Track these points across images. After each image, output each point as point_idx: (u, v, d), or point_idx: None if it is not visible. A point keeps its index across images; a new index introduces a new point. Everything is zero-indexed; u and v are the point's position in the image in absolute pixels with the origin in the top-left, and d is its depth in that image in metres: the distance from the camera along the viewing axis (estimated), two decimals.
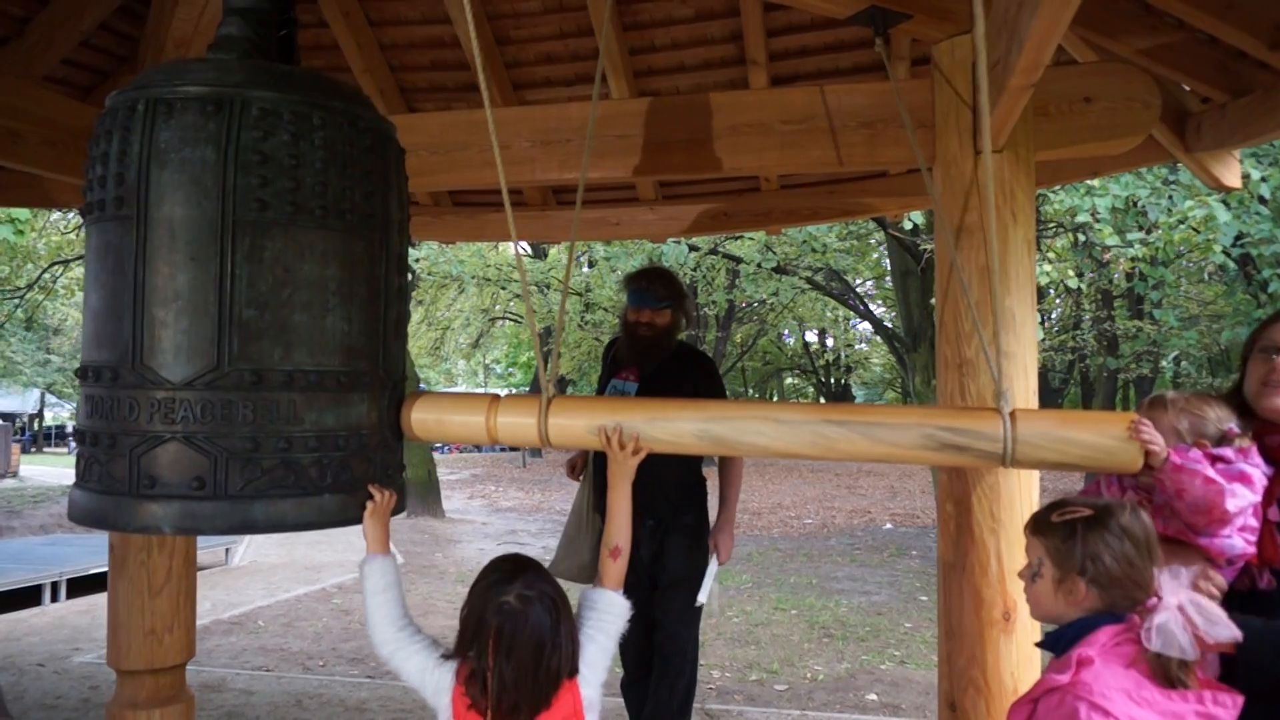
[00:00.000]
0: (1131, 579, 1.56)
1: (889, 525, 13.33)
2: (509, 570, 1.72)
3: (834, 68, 3.56)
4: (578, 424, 1.95)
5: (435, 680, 1.74)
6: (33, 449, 34.24)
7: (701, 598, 3.31)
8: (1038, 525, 1.68)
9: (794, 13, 3.39)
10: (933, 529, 12.35)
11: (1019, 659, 2.69)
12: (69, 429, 39.94)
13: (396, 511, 1.98)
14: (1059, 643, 1.60)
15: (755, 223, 4.37)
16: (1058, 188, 7.23)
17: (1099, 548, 1.56)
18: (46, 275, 15.22)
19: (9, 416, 31.07)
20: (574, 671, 1.70)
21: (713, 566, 3.39)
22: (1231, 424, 1.95)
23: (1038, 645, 1.73)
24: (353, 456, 1.85)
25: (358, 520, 1.89)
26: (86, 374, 1.80)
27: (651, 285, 3.41)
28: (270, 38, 1.88)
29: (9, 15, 3.22)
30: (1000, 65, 2.33)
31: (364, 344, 1.86)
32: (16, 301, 15.73)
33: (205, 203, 1.68)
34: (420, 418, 2.00)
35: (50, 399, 35.41)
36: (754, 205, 4.26)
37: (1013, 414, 1.81)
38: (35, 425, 38.73)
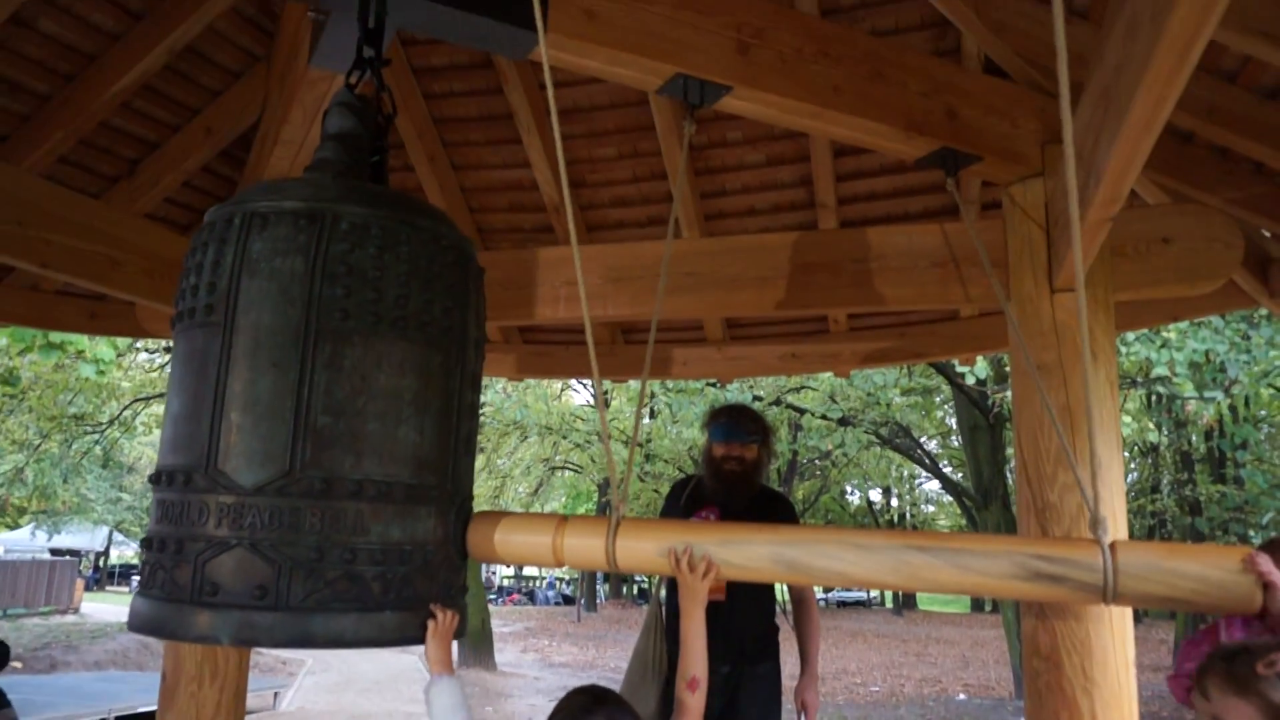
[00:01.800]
0: None
1: (962, 696, 12.55)
2: (589, 701, 1.63)
3: (902, 212, 3.60)
4: (646, 547, 1.88)
5: None
6: (96, 587, 34.56)
7: None
8: (1242, 682, 1.41)
9: (863, 159, 3.47)
10: (1010, 701, 11.58)
11: None
12: (134, 568, 40.35)
13: (458, 634, 1.90)
14: None
15: (823, 364, 4.34)
16: (1132, 338, 7.11)
17: None
18: (127, 412, 15.73)
19: (76, 553, 31.56)
20: None
21: None
22: None
23: None
24: (416, 572, 1.80)
25: (418, 640, 1.82)
26: (160, 479, 1.80)
27: (740, 419, 3.36)
28: (363, 162, 1.97)
29: (122, 157, 3.46)
30: (1078, 201, 2.33)
31: (434, 457, 1.85)
32: (96, 438, 16.24)
33: (291, 310, 1.72)
34: (485, 536, 1.94)
35: (118, 537, 36.00)
36: (822, 347, 4.24)
37: (1113, 545, 1.69)
38: (101, 563, 39.21)
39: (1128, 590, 1.67)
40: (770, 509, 3.36)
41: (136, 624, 1.80)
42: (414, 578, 1.80)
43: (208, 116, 3.44)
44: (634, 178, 3.77)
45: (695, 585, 1.81)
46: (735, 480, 3.29)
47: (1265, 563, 1.64)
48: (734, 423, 3.35)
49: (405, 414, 1.79)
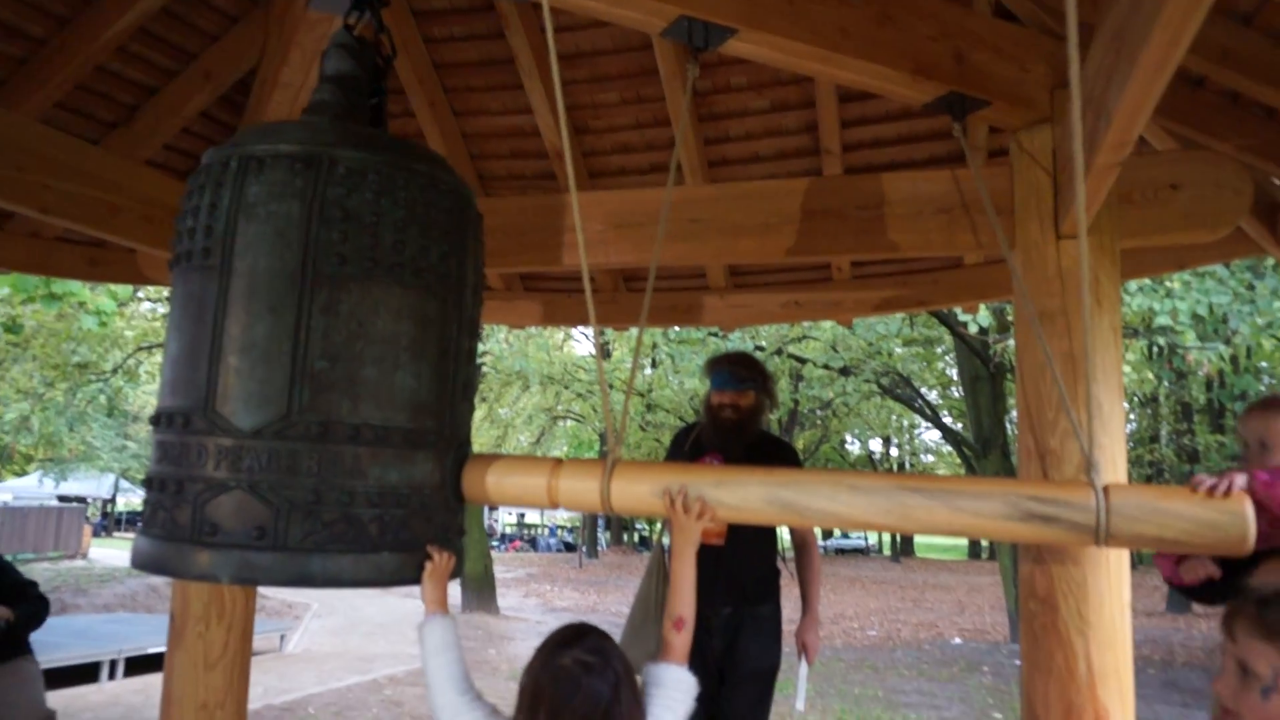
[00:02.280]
0: None
1: (958, 640, 12.75)
2: (571, 635, 1.64)
3: (908, 159, 3.57)
4: (641, 489, 1.88)
5: None
6: (104, 533, 34.93)
7: (799, 705, 3.17)
8: (1271, 629, 1.36)
9: (869, 105, 3.43)
10: (1005, 645, 11.77)
11: None
12: (140, 514, 40.60)
13: (453, 576, 1.92)
14: None
15: (826, 312, 4.33)
16: (1135, 288, 7.08)
17: None
18: (131, 360, 15.77)
19: (83, 500, 31.85)
20: None
21: (804, 669, 3.25)
22: None
23: None
24: (414, 515, 1.82)
25: (414, 581, 1.85)
26: (159, 420, 1.81)
27: (734, 367, 3.37)
28: (361, 105, 1.95)
29: (120, 102, 3.42)
30: (1086, 144, 2.31)
31: (431, 402, 1.85)
32: (100, 386, 16.29)
33: (287, 255, 1.72)
34: (480, 479, 1.95)
35: (124, 485, 36.30)
36: (825, 295, 4.23)
37: (1106, 487, 1.70)
38: (108, 510, 39.59)
39: (1120, 531, 1.69)
40: (773, 456, 3.38)
41: (139, 562, 1.83)
42: (411, 520, 1.82)
43: (206, 61, 3.40)
44: (637, 124, 3.73)
45: (688, 526, 1.82)
46: (732, 427, 3.31)
47: (1226, 478, 1.68)
48: (730, 370, 3.36)
49: (402, 359, 1.80)
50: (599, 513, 2.03)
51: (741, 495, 1.85)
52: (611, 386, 18.08)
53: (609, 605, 16.17)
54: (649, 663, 1.79)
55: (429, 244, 1.85)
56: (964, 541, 50.88)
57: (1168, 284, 7.14)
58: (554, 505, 1.95)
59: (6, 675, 4.29)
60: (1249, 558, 1.99)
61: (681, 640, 1.79)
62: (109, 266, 4.09)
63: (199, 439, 1.74)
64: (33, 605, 4.39)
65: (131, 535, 35.26)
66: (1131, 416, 18.45)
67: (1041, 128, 2.75)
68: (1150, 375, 8.45)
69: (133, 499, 45.08)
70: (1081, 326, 2.62)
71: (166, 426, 1.80)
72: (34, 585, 4.46)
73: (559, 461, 1.95)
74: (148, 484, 1.84)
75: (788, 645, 3.29)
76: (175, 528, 1.75)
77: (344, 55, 1.96)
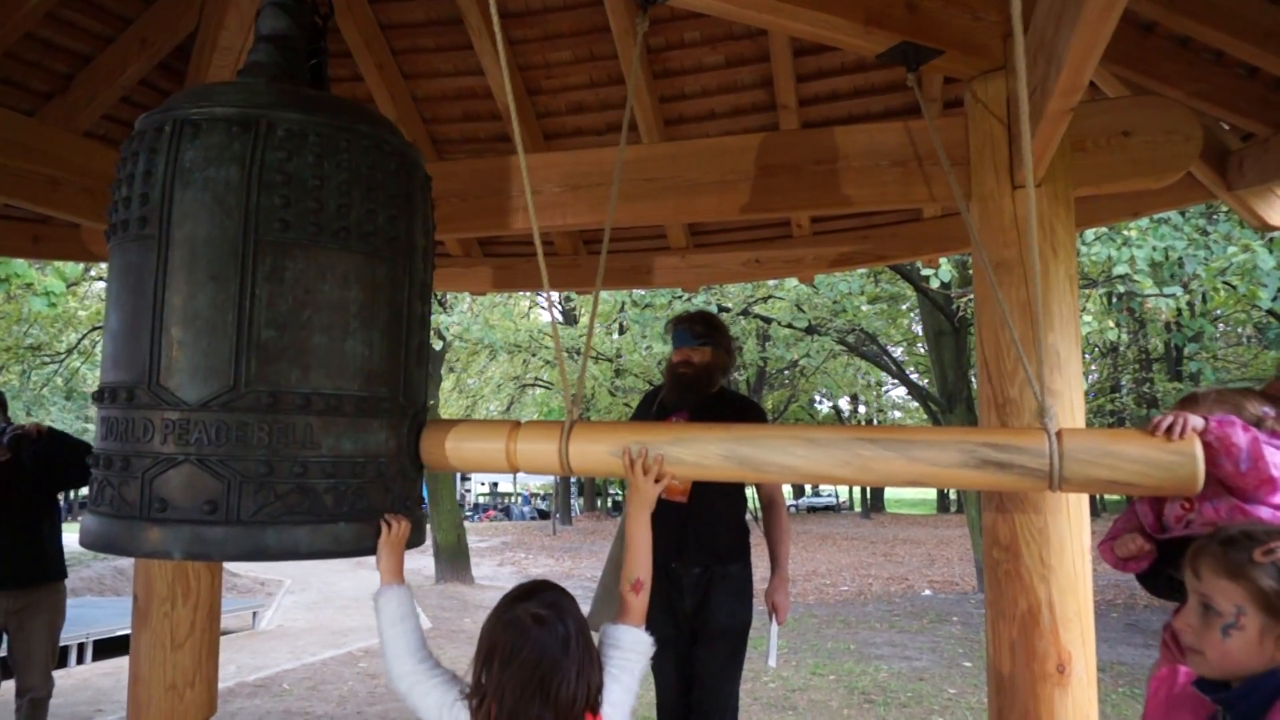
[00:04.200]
0: None
1: (928, 591, 12.98)
2: (527, 590, 1.62)
3: (864, 112, 3.55)
4: (599, 449, 1.87)
5: (453, 718, 1.65)
6: (68, 516, 34.49)
7: (771, 662, 3.20)
8: (1234, 567, 1.37)
9: (824, 57, 3.40)
10: (973, 595, 11.99)
11: (1076, 714, 2.54)
12: None
13: (412, 545, 1.90)
14: (1249, 698, 1.34)
15: (787, 269, 4.32)
16: (1092, 237, 7.14)
17: None
18: (85, 341, 15.47)
19: None
20: (595, 709, 1.59)
21: (774, 628, 3.28)
22: (1267, 408, 1.91)
23: (1198, 687, 1.43)
24: (370, 485, 1.79)
25: (372, 550, 1.82)
26: (103, 396, 1.77)
27: (690, 324, 3.38)
28: (300, 65, 1.89)
29: (54, 71, 3.30)
30: (1038, 92, 2.30)
31: (384, 369, 1.82)
32: (56, 368, 15.99)
33: (228, 222, 1.67)
34: (438, 445, 1.93)
35: None
36: (786, 252, 4.22)
37: (1059, 432, 1.71)
38: (71, 494, 39.09)
39: (1073, 475, 1.70)
40: (738, 414, 3.38)
41: (88, 540, 1.79)
42: (368, 490, 1.79)
43: (142, 26, 3.29)
44: (591, 82, 3.67)
45: (645, 487, 1.81)
46: (688, 383, 3.32)
47: (1180, 417, 1.70)
48: (686, 328, 3.38)
49: (352, 326, 1.76)
50: (558, 475, 2.01)
51: (699, 452, 1.84)
52: (578, 352, 18.04)
53: (584, 571, 16.25)
54: (607, 624, 1.79)
55: (375, 207, 1.80)
56: (933, 495, 51.66)
57: (1125, 232, 7.21)
58: (513, 469, 1.93)
59: (41, 598, 4.17)
60: (1182, 548, 2.02)
61: (639, 601, 1.78)
62: (53, 243, 3.98)
63: (144, 413, 1.70)
64: (80, 453, 4.23)
65: None
66: (1093, 367, 18.72)
67: (995, 76, 2.73)
68: (1111, 324, 8.53)
69: None
70: (1038, 275, 2.63)
71: (110, 402, 1.75)
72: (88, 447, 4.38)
73: (517, 424, 1.93)
74: (94, 461, 1.80)
75: (759, 604, 3.31)
76: (123, 505, 1.71)
77: (279, 13, 1.89)
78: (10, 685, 4.22)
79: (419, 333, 1.94)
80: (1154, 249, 6.93)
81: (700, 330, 3.35)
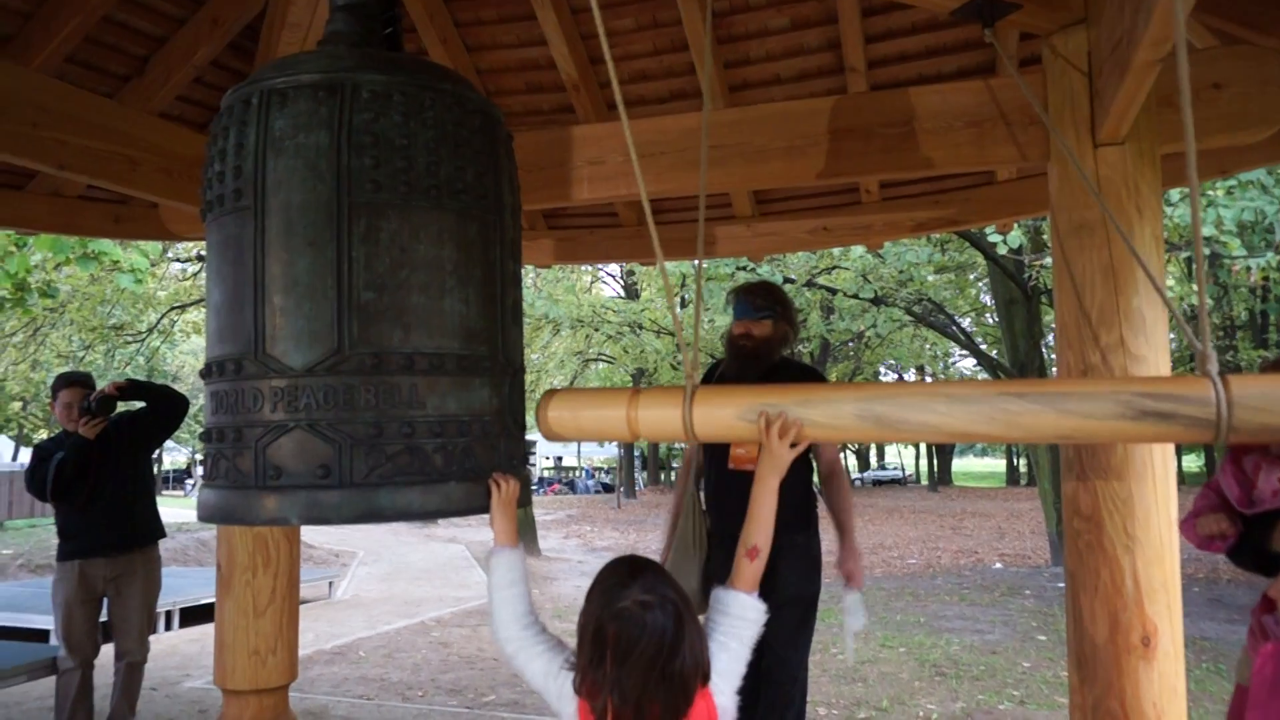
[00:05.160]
0: None
1: (998, 565, 12.76)
2: (626, 573, 1.59)
3: (935, 73, 3.44)
4: (725, 413, 1.80)
5: (558, 687, 1.65)
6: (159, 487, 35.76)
7: (857, 626, 3.18)
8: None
9: (892, 17, 3.30)
10: (1047, 569, 11.76)
11: (1162, 689, 2.47)
12: (188, 473, 41.72)
13: (522, 504, 1.89)
14: None
15: (856, 236, 4.24)
16: (1177, 198, 6.87)
17: None
18: (165, 320, 15.97)
19: None
20: (706, 678, 1.56)
21: (852, 597, 3.25)
22: None
23: None
24: (476, 443, 1.80)
25: (484, 509, 1.82)
26: (211, 371, 1.80)
27: (751, 296, 3.31)
28: (376, 32, 1.90)
29: (130, 54, 3.38)
30: (1124, 43, 2.20)
31: (482, 327, 1.82)
32: (138, 347, 16.54)
33: (320, 187, 1.68)
34: (558, 415, 1.89)
35: (169, 445, 37.04)
36: (854, 219, 4.14)
37: (1224, 377, 1.57)
38: (155, 470, 40.53)
39: (1244, 423, 1.53)
40: (792, 378, 3.33)
41: (206, 514, 1.83)
42: (474, 448, 1.79)
43: (213, 6, 3.34)
44: (654, 50, 3.63)
45: (780, 451, 1.75)
46: (748, 356, 3.26)
47: None
48: (747, 300, 3.31)
49: (449, 284, 1.76)
50: (683, 441, 1.97)
51: (831, 413, 1.74)
52: (641, 328, 18.04)
53: (649, 544, 16.35)
54: (717, 588, 1.77)
55: (463, 164, 1.80)
56: (1002, 468, 50.67)
57: (1210, 193, 6.91)
58: (635, 437, 1.89)
59: (137, 563, 4.34)
60: (1272, 522, 1.93)
61: (753, 569, 1.76)
62: (133, 223, 4.09)
63: (252, 383, 1.72)
64: (163, 398, 4.41)
65: (179, 493, 36.24)
66: (1171, 336, 18.12)
67: (1076, 30, 2.63)
68: (1193, 288, 8.21)
69: (178, 458, 46.02)
70: (1121, 237, 2.54)
71: (219, 375, 1.78)
72: (169, 388, 4.56)
73: (638, 391, 1.88)
74: (206, 436, 1.84)
75: (829, 576, 3.28)
76: (239, 475, 1.74)
77: None
78: (110, 649, 4.39)
79: (513, 290, 1.94)
80: (1243, 210, 6.63)
81: (761, 303, 3.29)
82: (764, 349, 3.27)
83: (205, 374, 1.85)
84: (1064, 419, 1.63)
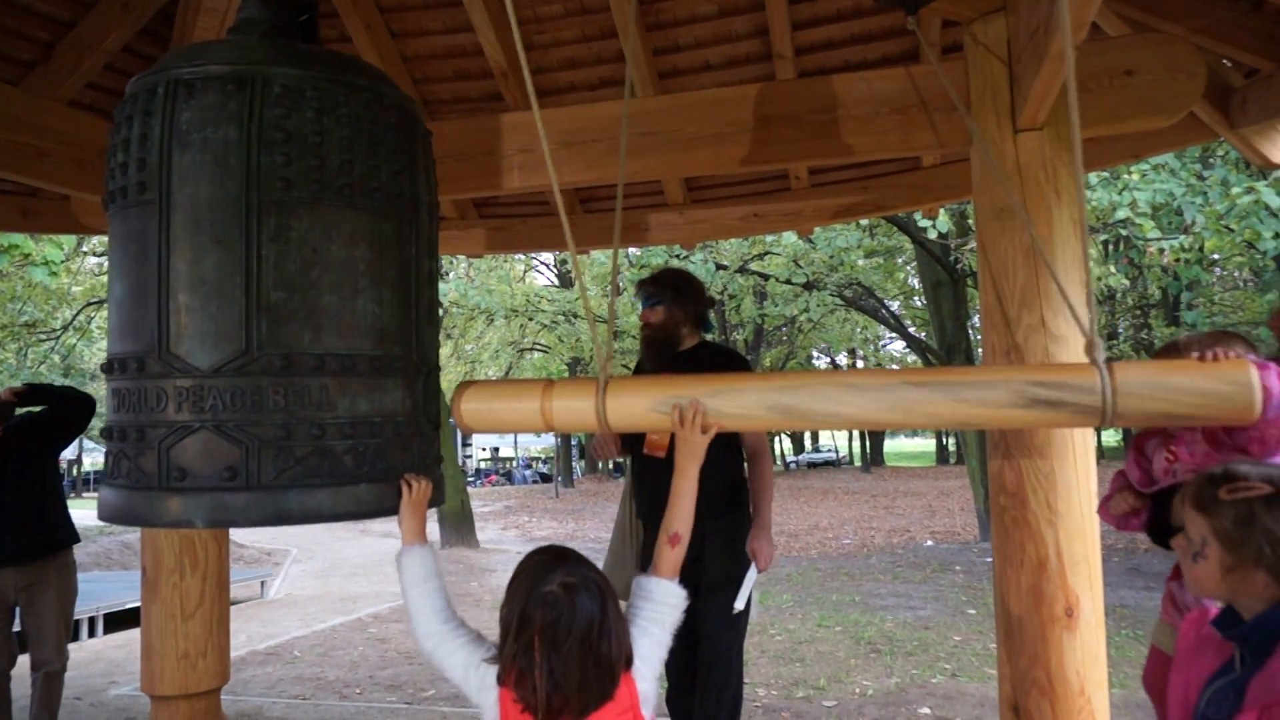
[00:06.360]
0: None
1: (930, 543, 13.08)
2: (549, 560, 1.60)
3: (861, 59, 3.49)
4: (639, 404, 1.82)
5: (479, 678, 1.64)
6: (71, 494, 34.61)
7: (739, 604, 3.18)
8: (1200, 500, 1.46)
9: (819, 4, 3.34)
10: (975, 544, 12.09)
11: (1085, 657, 2.56)
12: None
13: (434, 504, 1.88)
14: (1259, 632, 1.39)
15: (786, 223, 4.29)
16: (1094, 181, 7.09)
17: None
18: (80, 317, 15.41)
19: None
20: (629, 663, 1.58)
21: (752, 573, 3.26)
22: (1251, 355, 1.92)
23: (1215, 625, 1.50)
24: (388, 444, 1.77)
25: (394, 511, 1.81)
26: (112, 367, 1.74)
27: (643, 287, 3.37)
28: (291, 20, 1.85)
29: (36, 40, 3.24)
30: (1040, 31, 2.26)
31: (396, 327, 1.80)
32: (51, 344, 15.94)
33: (229, 183, 1.63)
34: (471, 407, 1.89)
35: (89, 444, 35.82)
36: (784, 205, 4.19)
37: (1110, 365, 1.64)
38: (74, 471, 39.15)
39: (1128, 409, 1.62)
40: (719, 366, 3.36)
41: (107, 514, 1.77)
42: (386, 449, 1.77)
43: None
44: (583, 37, 3.60)
45: (695, 440, 1.77)
46: (649, 345, 3.33)
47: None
48: (639, 291, 3.39)
49: (362, 285, 1.73)
50: (596, 432, 1.97)
51: (740, 403, 1.78)
52: (576, 316, 18.00)
53: (588, 532, 16.36)
54: (639, 576, 1.77)
55: (378, 163, 1.76)
56: (932, 447, 51.84)
57: (1125, 177, 7.15)
58: (549, 429, 1.88)
59: (49, 570, 4.17)
60: (1168, 496, 2.07)
61: (674, 555, 1.76)
62: (43, 216, 3.94)
63: (156, 382, 1.67)
64: (64, 400, 4.23)
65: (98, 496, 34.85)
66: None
67: (995, 17, 2.69)
68: (1111, 269, 8.49)
69: (98, 459, 44.45)
70: (1044, 220, 2.61)
71: (120, 372, 1.73)
72: (71, 389, 4.35)
73: (551, 382, 1.88)
74: (107, 434, 1.77)
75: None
76: (141, 475, 1.69)
77: None
78: (26, 660, 4.24)
79: (428, 290, 1.91)
80: (1155, 193, 6.87)
81: (651, 290, 3.34)
82: (661, 335, 3.31)
83: (106, 370, 1.79)
84: (960, 407, 1.70)
